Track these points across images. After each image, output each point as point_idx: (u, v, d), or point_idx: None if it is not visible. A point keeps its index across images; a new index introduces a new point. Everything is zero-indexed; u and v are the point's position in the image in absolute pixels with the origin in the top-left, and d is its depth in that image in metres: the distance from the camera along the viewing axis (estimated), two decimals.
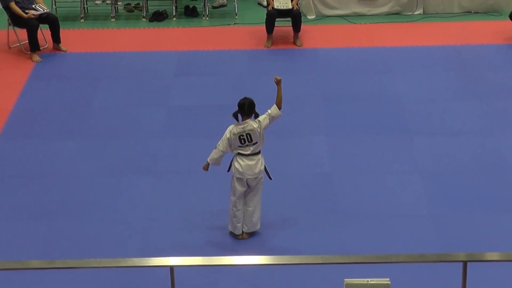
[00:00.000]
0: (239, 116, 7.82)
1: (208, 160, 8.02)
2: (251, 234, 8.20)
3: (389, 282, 5.33)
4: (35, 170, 9.48)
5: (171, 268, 5.51)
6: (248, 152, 7.79)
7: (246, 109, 7.79)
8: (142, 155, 9.71)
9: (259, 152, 7.86)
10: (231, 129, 7.78)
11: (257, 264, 6.39)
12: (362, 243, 8.12)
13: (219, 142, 7.88)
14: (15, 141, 10.08)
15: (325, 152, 9.73)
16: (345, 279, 5.37)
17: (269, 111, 7.90)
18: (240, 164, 7.80)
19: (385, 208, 8.69)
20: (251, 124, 7.77)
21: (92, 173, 9.37)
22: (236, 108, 7.86)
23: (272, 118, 7.87)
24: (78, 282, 7.50)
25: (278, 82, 7.95)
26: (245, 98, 7.88)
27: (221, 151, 7.88)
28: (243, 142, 7.76)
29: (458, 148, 9.73)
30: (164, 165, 9.52)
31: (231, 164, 7.96)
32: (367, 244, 8.09)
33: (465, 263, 5.40)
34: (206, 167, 8.12)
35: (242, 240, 8.17)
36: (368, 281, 5.34)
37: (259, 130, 7.77)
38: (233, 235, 8.18)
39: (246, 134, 7.74)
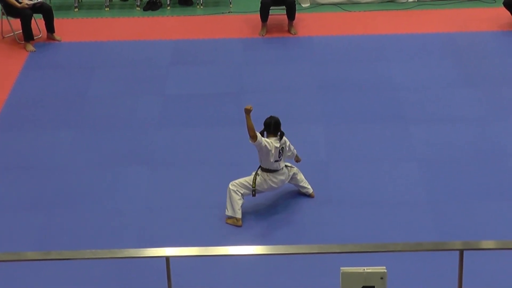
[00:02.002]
0: (265, 134, 8.02)
1: (255, 134, 7.83)
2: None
3: (385, 271, 5.32)
4: (30, 160, 9.45)
5: (167, 258, 5.49)
6: (280, 167, 8.07)
7: (272, 128, 8.01)
8: (139, 145, 9.68)
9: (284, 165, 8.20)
10: (274, 143, 7.92)
11: (253, 254, 6.40)
12: (359, 231, 8.12)
13: (263, 138, 7.91)
14: (9, 132, 10.05)
15: (322, 140, 9.73)
16: (341, 268, 5.36)
17: (292, 148, 8.30)
18: (274, 180, 8.08)
19: (382, 196, 8.70)
20: (285, 139, 8.09)
21: (88, 164, 9.34)
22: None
23: (292, 153, 8.37)
24: (74, 273, 7.50)
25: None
26: (271, 117, 8.09)
27: (262, 141, 7.86)
28: (279, 156, 8.01)
29: (455, 136, 9.73)
30: (160, 155, 9.49)
31: (254, 190, 8.09)
32: (363, 232, 8.11)
33: (461, 252, 5.39)
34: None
35: (239, 230, 8.17)
36: (364, 269, 5.33)
37: (287, 147, 8.17)
38: (233, 221, 8.18)
39: (281, 148, 8.03)
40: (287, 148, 8.19)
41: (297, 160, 8.55)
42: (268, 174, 8.05)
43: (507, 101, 10.44)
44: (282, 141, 8.05)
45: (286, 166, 8.24)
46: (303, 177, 8.48)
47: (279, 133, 8.04)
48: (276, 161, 7.99)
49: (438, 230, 8.13)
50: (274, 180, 8.08)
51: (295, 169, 8.38)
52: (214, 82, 11.07)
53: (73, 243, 7.97)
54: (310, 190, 8.53)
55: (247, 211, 8.32)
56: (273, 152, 7.90)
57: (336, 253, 5.90)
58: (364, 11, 13.17)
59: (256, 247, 6.25)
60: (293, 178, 8.37)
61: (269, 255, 6.85)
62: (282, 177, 8.14)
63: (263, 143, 7.83)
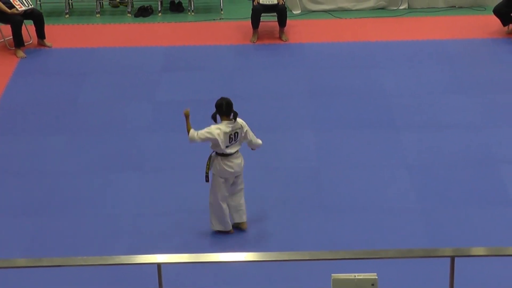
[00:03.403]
0: (218, 117, 7.80)
1: (189, 135, 7.80)
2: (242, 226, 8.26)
3: (376, 277, 5.33)
4: (21, 166, 9.45)
5: (159, 265, 5.48)
6: (233, 151, 7.82)
7: (225, 109, 7.76)
8: (129, 151, 9.70)
9: (239, 148, 7.93)
10: (222, 128, 7.70)
11: (245, 261, 6.39)
12: (350, 237, 8.15)
13: (201, 132, 7.72)
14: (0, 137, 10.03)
15: (313, 147, 9.74)
16: (332, 274, 5.36)
17: (252, 135, 8.00)
18: (229, 164, 7.84)
19: (373, 202, 8.72)
20: (239, 123, 7.81)
21: (79, 169, 9.35)
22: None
23: (250, 140, 8.00)
24: (65, 280, 7.50)
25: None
26: (222, 99, 7.85)
27: (203, 135, 7.73)
28: (231, 141, 7.77)
29: (445, 142, 9.76)
30: (151, 161, 9.52)
31: (207, 175, 7.94)
32: (354, 238, 8.13)
33: (452, 258, 5.40)
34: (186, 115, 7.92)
35: (230, 237, 8.18)
36: (355, 276, 5.34)
37: (243, 133, 7.87)
38: (223, 232, 8.19)
39: (234, 133, 7.77)
40: (243, 134, 7.88)
41: (253, 148, 8.20)
42: (222, 158, 7.84)
43: (498, 107, 10.48)
44: (237, 125, 7.79)
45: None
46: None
47: (232, 114, 7.79)
48: (227, 146, 7.79)
49: (429, 236, 8.16)
50: (229, 164, 7.85)
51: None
52: (205, 88, 11.06)
53: (64, 249, 7.96)
54: (242, 220, 8.24)
55: None
56: (222, 138, 7.69)
57: (327, 259, 5.91)
58: (355, 18, 13.20)
59: (247, 253, 6.25)
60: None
61: (261, 262, 6.86)
62: (238, 161, 7.89)
63: (205, 136, 7.71)
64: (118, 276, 7.55)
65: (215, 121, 7.80)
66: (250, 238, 8.21)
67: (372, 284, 5.32)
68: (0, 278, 7.40)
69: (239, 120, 7.83)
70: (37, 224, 8.45)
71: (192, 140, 7.76)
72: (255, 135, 8.05)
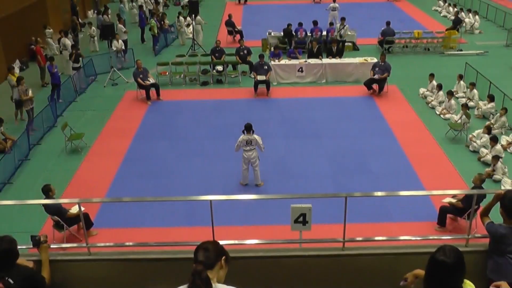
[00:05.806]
0: (245, 131, 7.84)
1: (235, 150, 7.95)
2: (258, 185, 8.15)
3: (311, 206, 5.33)
4: (147, 156, 9.36)
5: (210, 202, 5.41)
6: (248, 149, 7.86)
7: (248, 128, 7.86)
8: (196, 150, 9.60)
9: (254, 149, 7.91)
10: (243, 137, 7.81)
11: (252, 199, 6.37)
12: (299, 189, 8.07)
13: (237, 143, 7.87)
14: (139, 145, 9.93)
15: (282, 147, 9.65)
16: (291, 205, 5.37)
17: (259, 144, 7.84)
18: (246, 153, 7.89)
19: (309, 172, 8.66)
20: (253, 136, 7.82)
21: (173, 159, 9.26)
22: (242, 126, 7.88)
23: (258, 145, 7.86)
24: (158, 211, 7.43)
25: None
26: (248, 123, 7.93)
27: (237, 146, 7.87)
28: (247, 144, 7.80)
29: (344, 144, 9.68)
30: (208, 152, 9.42)
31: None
32: (300, 190, 8.06)
33: (346, 198, 5.37)
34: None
35: (248, 187, 8.11)
36: (301, 205, 5.28)
37: (256, 142, 7.83)
38: (242, 184, 8.17)
39: (250, 140, 7.80)
40: (255, 142, 7.82)
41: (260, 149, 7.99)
42: (243, 150, 7.89)
43: (368, 128, 10.33)
44: (252, 137, 7.77)
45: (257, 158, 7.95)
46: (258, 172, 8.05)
47: (251, 131, 7.85)
48: (245, 145, 7.81)
49: (335, 188, 8.13)
50: (246, 153, 7.85)
51: (257, 162, 7.98)
52: (232, 118, 10.97)
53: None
54: (258, 182, 8.08)
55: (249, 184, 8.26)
56: (240, 141, 7.78)
57: (288, 198, 5.90)
58: (302, 86, 12.91)
59: (253, 195, 6.22)
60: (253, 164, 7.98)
61: (260, 199, 6.85)
62: (249, 153, 7.84)
63: (237, 144, 7.80)
64: (191, 210, 7.49)
65: (243, 133, 7.86)
66: (252, 189, 8.14)
67: (309, 209, 5.34)
68: (114, 211, 7.39)
69: (255, 135, 7.87)
70: (149, 184, 8.28)
71: (236, 148, 7.92)
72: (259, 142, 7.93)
